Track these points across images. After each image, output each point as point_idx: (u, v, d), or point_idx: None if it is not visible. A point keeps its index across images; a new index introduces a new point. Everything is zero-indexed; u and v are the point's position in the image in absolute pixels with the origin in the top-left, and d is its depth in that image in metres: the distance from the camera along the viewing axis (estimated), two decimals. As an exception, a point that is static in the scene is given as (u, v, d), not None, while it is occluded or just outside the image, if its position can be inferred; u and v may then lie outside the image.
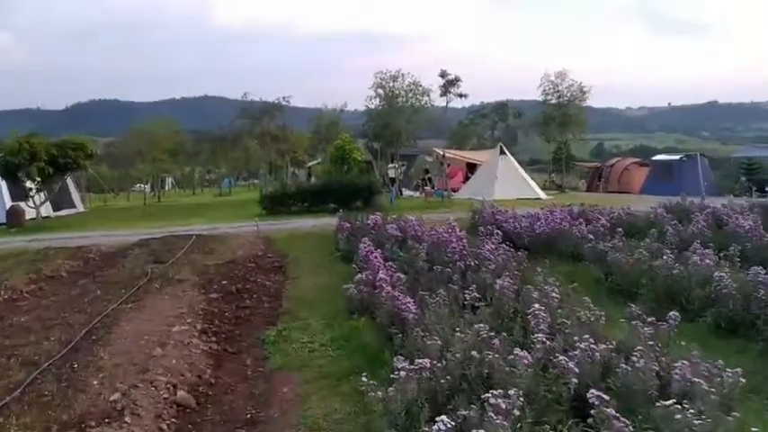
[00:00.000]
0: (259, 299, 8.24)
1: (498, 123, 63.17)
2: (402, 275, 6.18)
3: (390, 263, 7.83)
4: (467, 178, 29.29)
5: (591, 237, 8.69)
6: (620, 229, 8.63)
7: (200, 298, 7.69)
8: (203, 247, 12.23)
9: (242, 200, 29.10)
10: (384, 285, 5.97)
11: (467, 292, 5.63)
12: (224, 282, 8.82)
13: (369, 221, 10.96)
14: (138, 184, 49.16)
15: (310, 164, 41.83)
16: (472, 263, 6.85)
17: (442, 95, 20.93)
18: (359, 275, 6.65)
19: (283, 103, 27.72)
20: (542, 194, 25.23)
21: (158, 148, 33.61)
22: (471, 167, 30.92)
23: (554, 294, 5.07)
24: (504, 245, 8.01)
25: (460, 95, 20.70)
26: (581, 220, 10.72)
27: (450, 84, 20.53)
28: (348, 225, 11.20)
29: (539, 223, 9.66)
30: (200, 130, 44.05)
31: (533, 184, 26.07)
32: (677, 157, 33.23)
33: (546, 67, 28.97)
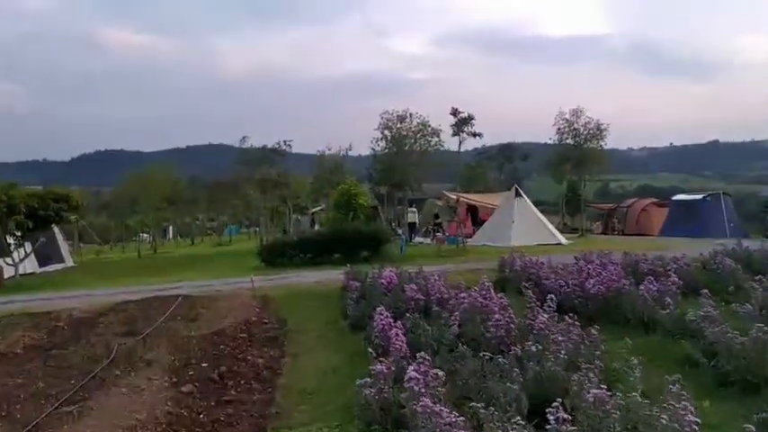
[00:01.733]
0: (247, 388, 6.44)
1: (505, 165, 62.05)
2: (440, 372, 4.39)
3: (410, 333, 6.10)
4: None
5: (668, 301, 6.87)
6: (706, 290, 6.81)
7: (167, 394, 5.90)
8: (188, 312, 10.45)
9: (241, 250, 27.40)
10: (416, 388, 4.19)
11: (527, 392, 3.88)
12: (204, 364, 7.02)
13: (382, 280, 9.21)
14: (141, 234, 47.73)
15: (314, 210, 40.29)
16: (533, 346, 5.05)
17: (454, 135, 19.51)
18: (377, 366, 4.86)
19: (284, 147, 26.30)
20: (563, 239, 23.48)
21: (155, 196, 32.20)
22: (473, 211, 29.24)
23: (690, 416, 3.27)
24: (559, 315, 6.27)
25: (474, 135, 19.25)
26: (639, 274, 8.97)
27: (462, 122, 19.11)
28: (357, 284, 9.44)
29: (591, 281, 7.88)
30: (197, 177, 42.63)
31: (552, 227, 24.34)
32: (699, 196, 31.53)
33: (560, 106, 27.27)
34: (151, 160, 53.20)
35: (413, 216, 26.40)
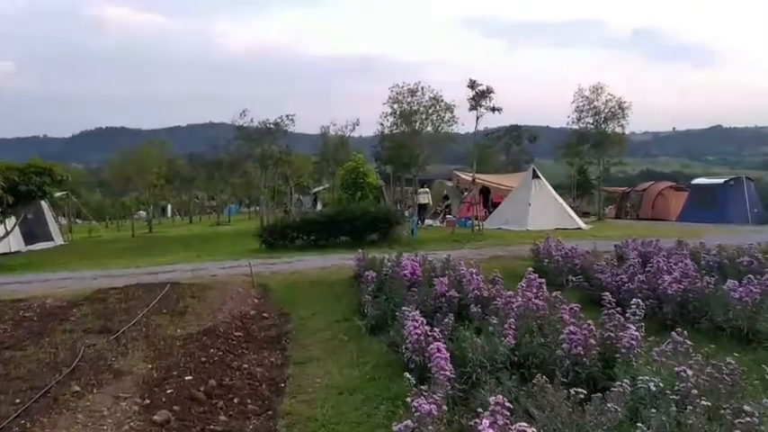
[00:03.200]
0: (241, 411, 5.01)
1: (512, 147, 60.34)
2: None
3: (449, 342, 4.66)
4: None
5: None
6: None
7: (134, 424, 4.47)
8: (176, 304, 9.01)
9: (240, 230, 25.92)
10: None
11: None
12: (188, 377, 5.58)
13: (404, 271, 7.74)
14: (140, 211, 46.23)
15: (316, 189, 38.80)
16: (648, 382, 3.58)
17: (471, 109, 17.85)
18: (422, 405, 3.41)
19: (286, 122, 24.65)
20: (582, 224, 22.02)
21: (150, 173, 30.66)
22: (485, 193, 27.60)
23: None
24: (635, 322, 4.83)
25: (494, 109, 17.62)
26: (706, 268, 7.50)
27: (480, 96, 17.48)
28: (372, 274, 7.96)
29: (666, 278, 6.40)
30: (197, 154, 41.03)
31: (571, 211, 22.85)
32: (721, 180, 29.97)
33: (579, 83, 25.48)
34: (151, 138, 51.41)
35: (425, 197, 24.89)
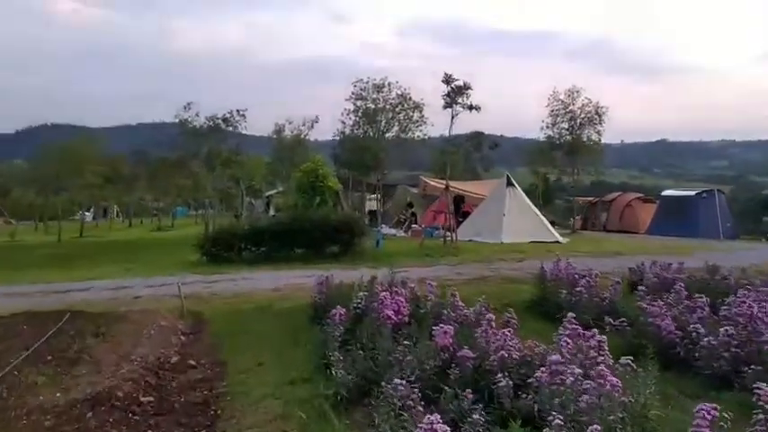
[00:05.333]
0: None
1: (473, 153, 59.13)
2: None
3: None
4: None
5: None
6: None
7: None
8: (69, 346, 6.59)
9: (183, 237, 23.17)
10: None
11: None
12: None
13: (386, 310, 5.57)
14: (82, 212, 42.40)
15: (269, 193, 36.25)
16: None
17: (446, 107, 15.90)
18: None
19: (237, 118, 22.12)
20: (559, 237, 20.35)
21: (84, 172, 27.55)
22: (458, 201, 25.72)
23: None
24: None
25: (471, 107, 15.71)
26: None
27: (456, 92, 15.56)
28: (341, 313, 5.76)
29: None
30: (141, 152, 37.88)
31: (547, 222, 21.18)
32: (692, 192, 29.01)
33: (555, 86, 23.75)
34: (99, 136, 47.60)
35: (375, 204, 22.83)
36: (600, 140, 23.96)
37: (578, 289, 6.70)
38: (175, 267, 14.22)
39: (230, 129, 22.72)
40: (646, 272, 8.72)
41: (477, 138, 60.03)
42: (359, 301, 6.58)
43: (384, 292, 6.24)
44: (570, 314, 4.72)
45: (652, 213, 30.46)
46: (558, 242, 19.43)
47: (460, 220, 23.05)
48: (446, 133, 25.03)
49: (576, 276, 7.54)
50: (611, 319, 5.71)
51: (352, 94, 20.08)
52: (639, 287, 7.14)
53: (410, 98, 19.88)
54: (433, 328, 4.89)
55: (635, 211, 31.66)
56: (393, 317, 5.30)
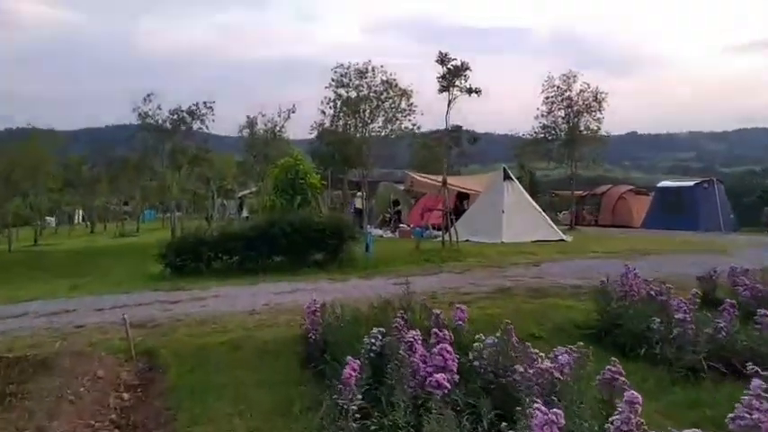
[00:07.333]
0: None
1: (453, 148, 57.51)
2: None
3: None
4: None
5: None
6: None
7: None
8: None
9: (147, 243, 20.80)
10: None
11: None
12: None
13: (414, 358, 3.61)
14: (42, 219, 39.46)
15: (242, 193, 33.92)
16: None
17: (442, 90, 13.98)
18: None
19: (204, 110, 19.86)
20: (563, 235, 18.61)
21: (36, 176, 25.05)
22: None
23: None
24: None
25: (470, 91, 13.83)
26: None
27: (453, 73, 13.67)
28: (355, 365, 3.79)
29: None
30: (99, 153, 35.23)
31: (549, 219, 19.42)
32: (691, 183, 27.61)
33: (549, 71, 22.02)
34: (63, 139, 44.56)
35: (359, 203, 20.89)
36: (599, 129, 22.25)
37: (679, 316, 4.78)
38: (133, 282, 12.09)
39: (197, 123, 20.53)
40: (720, 281, 6.92)
41: (455, 132, 58.46)
42: (372, 341, 4.60)
43: (412, 332, 4.28)
44: (750, 366, 2.85)
45: (646, 206, 29.14)
46: (563, 240, 17.72)
47: (452, 219, 21.21)
48: (433, 127, 23.05)
49: (653, 293, 5.66)
50: (756, 367, 3.83)
51: (333, 80, 18.04)
52: (724, 301, 5.35)
53: (396, 85, 17.91)
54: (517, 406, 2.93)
55: (628, 203, 30.28)
56: (444, 382, 3.33)
